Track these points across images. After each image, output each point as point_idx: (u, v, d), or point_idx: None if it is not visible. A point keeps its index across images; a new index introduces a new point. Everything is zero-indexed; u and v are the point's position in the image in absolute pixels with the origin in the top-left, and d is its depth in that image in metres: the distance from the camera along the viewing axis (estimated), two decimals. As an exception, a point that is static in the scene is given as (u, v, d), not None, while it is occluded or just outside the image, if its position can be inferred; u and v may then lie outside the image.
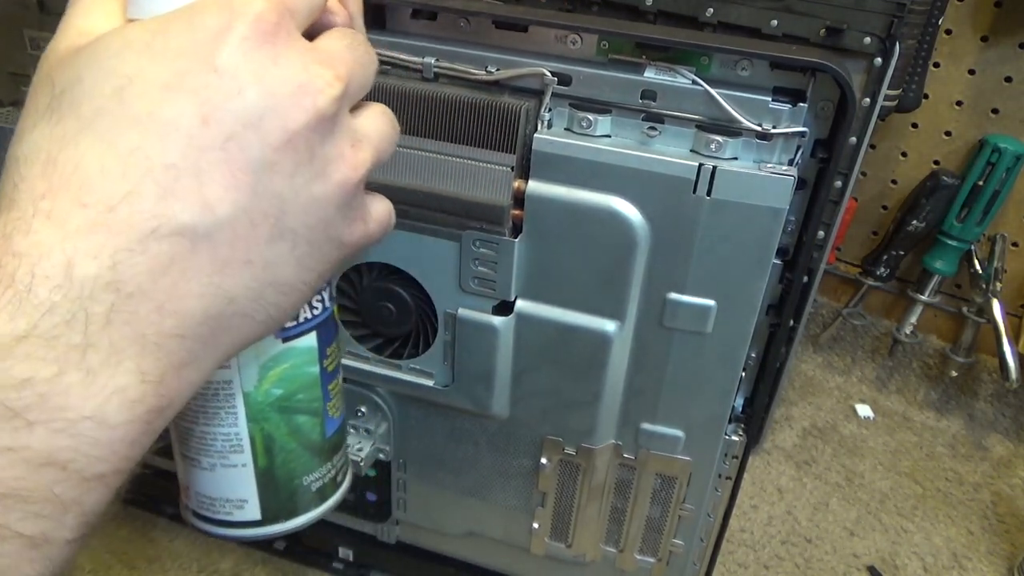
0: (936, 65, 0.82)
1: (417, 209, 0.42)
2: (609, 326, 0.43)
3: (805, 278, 0.73)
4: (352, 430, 0.50)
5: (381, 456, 0.52)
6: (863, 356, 0.93)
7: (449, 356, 0.45)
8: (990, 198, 0.80)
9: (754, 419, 0.50)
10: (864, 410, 0.87)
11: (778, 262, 0.46)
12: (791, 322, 0.74)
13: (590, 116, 0.40)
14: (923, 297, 0.86)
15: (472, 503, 0.53)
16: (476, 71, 0.41)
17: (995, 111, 0.81)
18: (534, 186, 0.40)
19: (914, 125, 0.85)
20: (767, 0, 0.70)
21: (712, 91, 0.39)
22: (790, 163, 0.40)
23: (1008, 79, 0.79)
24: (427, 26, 0.43)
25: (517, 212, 0.41)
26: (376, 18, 0.44)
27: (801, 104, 0.41)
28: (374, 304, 0.45)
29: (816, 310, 0.95)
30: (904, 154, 0.87)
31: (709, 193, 0.39)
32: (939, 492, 0.77)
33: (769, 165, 0.39)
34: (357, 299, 0.46)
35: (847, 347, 0.93)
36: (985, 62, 0.80)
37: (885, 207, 0.90)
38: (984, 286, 0.82)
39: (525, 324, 0.44)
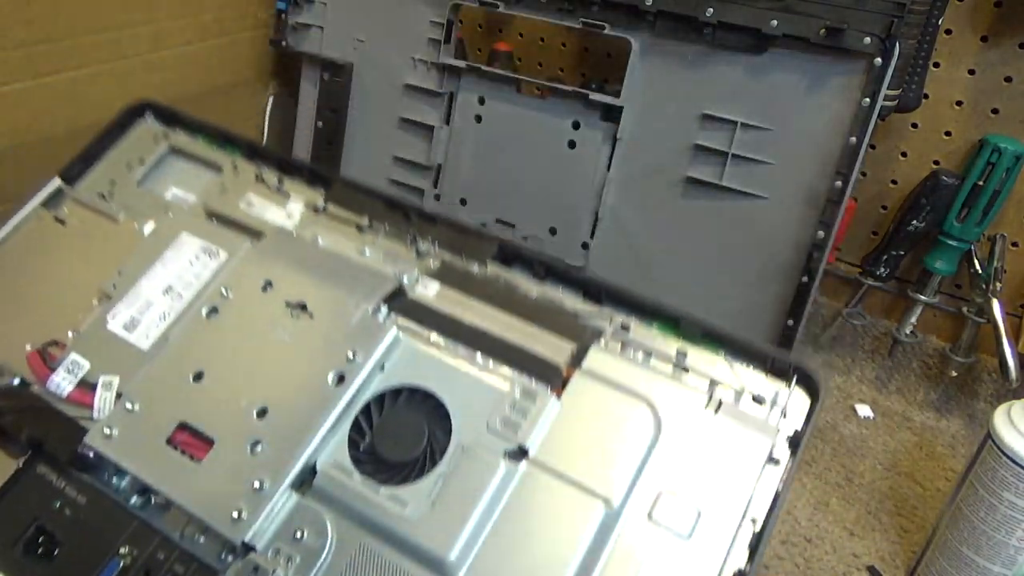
0: (936, 65, 0.82)
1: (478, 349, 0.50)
2: (599, 507, 0.45)
3: (805, 278, 0.73)
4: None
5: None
6: (863, 356, 0.93)
7: (436, 490, 0.45)
8: (990, 198, 0.80)
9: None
10: (864, 410, 0.87)
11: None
12: (791, 322, 0.74)
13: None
14: (923, 297, 0.86)
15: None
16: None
17: (995, 111, 0.81)
18: (587, 367, 0.50)
19: (914, 125, 0.85)
20: (767, 0, 0.71)
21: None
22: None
23: (1008, 79, 0.79)
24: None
25: (568, 373, 0.49)
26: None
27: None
28: (390, 426, 0.47)
29: (816, 310, 0.95)
30: (904, 154, 0.87)
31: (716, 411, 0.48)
32: (939, 492, 0.77)
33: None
34: (375, 420, 0.48)
35: (847, 347, 0.94)
36: (985, 62, 0.80)
37: (885, 207, 0.90)
38: (984, 286, 0.82)
39: (527, 477, 0.46)
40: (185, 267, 0.57)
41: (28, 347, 0.55)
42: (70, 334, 0.55)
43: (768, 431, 0.47)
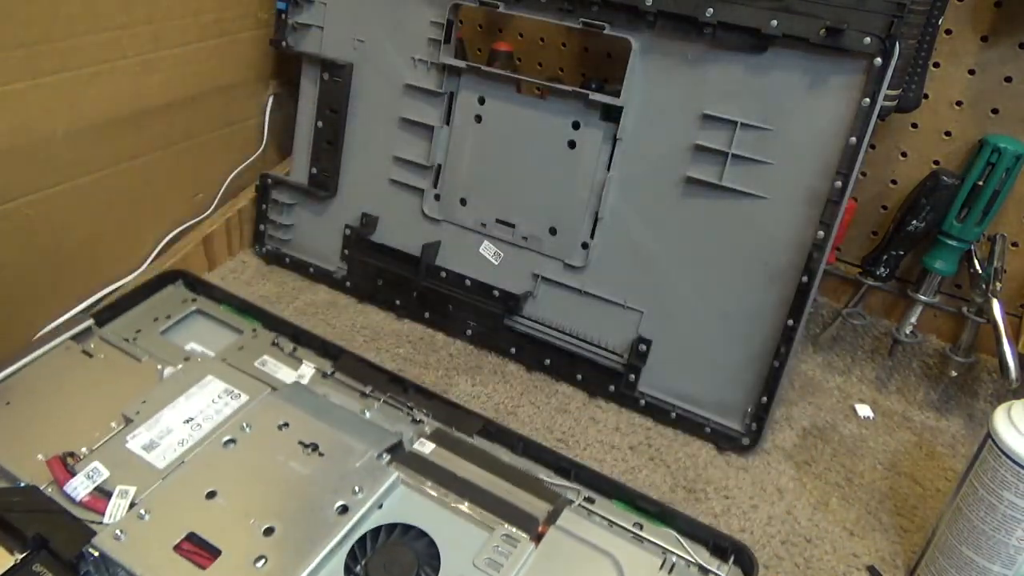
0: (936, 65, 0.82)
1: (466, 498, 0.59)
2: None
3: (805, 278, 0.73)
4: None
5: None
6: (863, 356, 0.93)
7: None
8: (990, 198, 0.80)
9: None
10: (864, 410, 0.87)
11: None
12: (791, 322, 0.74)
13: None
14: (923, 297, 0.86)
15: None
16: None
17: (995, 111, 0.81)
18: (560, 524, 0.58)
19: (914, 125, 0.85)
20: (767, 0, 0.70)
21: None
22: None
23: (1008, 79, 0.79)
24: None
25: (543, 529, 0.57)
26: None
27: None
28: (384, 555, 0.53)
29: (816, 310, 0.95)
30: (904, 154, 0.87)
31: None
32: (939, 492, 0.77)
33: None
34: (370, 550, 0.54)
35: (847, 347, 0.94)
36: (985, 62, 0.80)
37: (885, 207, 0.90)
38: (984, 286, 0.82)
39: None
40: (208, 403, 0.63)
41: (40, 457, 0.58)
42: (84, 450, 0.59)
43: None
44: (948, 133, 0.84)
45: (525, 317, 0.88)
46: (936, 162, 0.85)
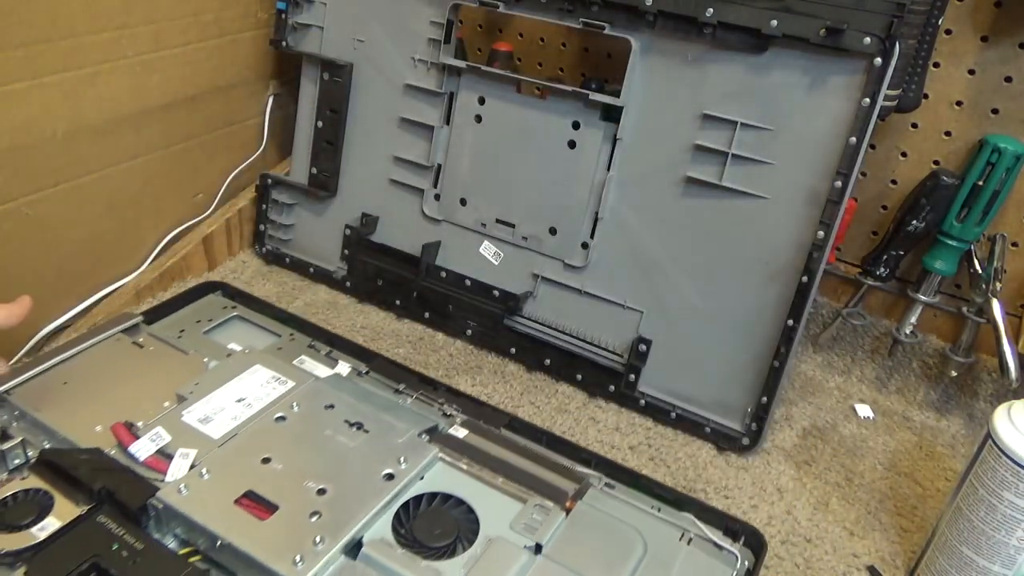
0: (936, 65, 0.82)
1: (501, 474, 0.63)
2: None
3: (805, 278, 0.73)
4: None
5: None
6: (863, 356, 0.93)
7: (469, 566, 0.55)
8: (990, 198, 0.80)
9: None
10: (864, 410, 0.87)
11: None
12: (791, 322, 0.74)
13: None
14: (923, 297, 0.86)
15: None
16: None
17: (995, 111, 0.81)
18: (587, 500, 0.63)
19: (914, 125, 0.85)
20: (767, 0, 0.70)
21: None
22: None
23: (1008, 79, 0.79)
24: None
25: (571, 504, 0.62)
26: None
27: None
28: (427, 518, 0.58)
29: (816, 310, 0.95)
30: (904, 154, 0.87)
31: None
32: (939, 492, 0.77)
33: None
34: (413, 514, 0.59)
35: (847, 347, 0.94)
36: (985, 62, 0.80)
37: (885, 207, 0.90)
38: (984, 286, 0.82)
39: (542, 566, 0.56)
40: (257, 387, 0.68)
41: (99, 428, 0.63)
42: (141, 424, 0.62)
43: (729, 562, 0.61)
44: (948, 133, 0.84)
45: (525, 317, 0.88)
46: (936, 162, 0.85)
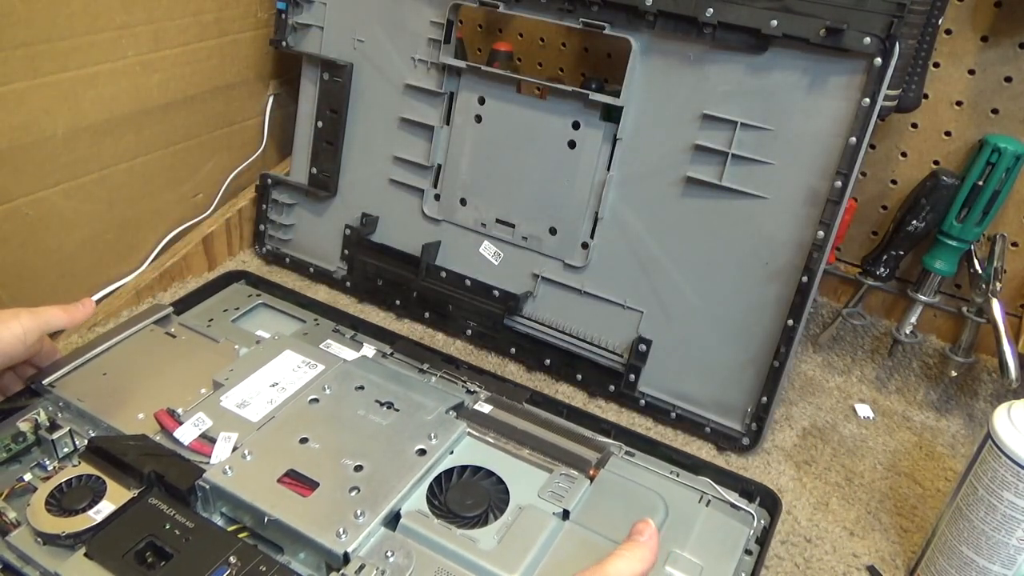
0: (936, 65, 0.82)
1: (526, 446, 0.67)
2: None
3: (805, 278, 0.73)
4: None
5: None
6: (863, 356, 0.93)
7: (502, 533, 0.57)
8: (990, 198, 0.80)
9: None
10: (864, 410, 0.87)
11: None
12: (791, 322, 0.74)
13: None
14: (923, 297, 0.86)
15: None
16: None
17: (995, 111, 0.81)
18: (609, 468, 0.67)
19: (914, 125, 0.85)
20: (767, 0, 0.70)
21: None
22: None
23: (1008, 79, 0.79)
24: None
25: (594, 472, 0.65)
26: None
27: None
28: (460, 489, 0.61)
29: (816, 310, 0.95)
30: (904, 154, 0.87)
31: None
32: (939, 492, 0.77)
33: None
34: (445, 486, 0.61)
35: (847, 347, 0.94)
36: (985, 62, 0.80)
37: (885, 207, 0.90)
38: (984, 286, 0.82)
39: (570, 531, 0.59)
40: (289, 372, 0.71)
41: (141, 416, 0.66)
42: (181, 411, 0.65)
43: (746, 521, 0.64)
44: (948, 133, 0.84)
45: (525, 317, 0.88)
46: (936, 162, 0.85)
